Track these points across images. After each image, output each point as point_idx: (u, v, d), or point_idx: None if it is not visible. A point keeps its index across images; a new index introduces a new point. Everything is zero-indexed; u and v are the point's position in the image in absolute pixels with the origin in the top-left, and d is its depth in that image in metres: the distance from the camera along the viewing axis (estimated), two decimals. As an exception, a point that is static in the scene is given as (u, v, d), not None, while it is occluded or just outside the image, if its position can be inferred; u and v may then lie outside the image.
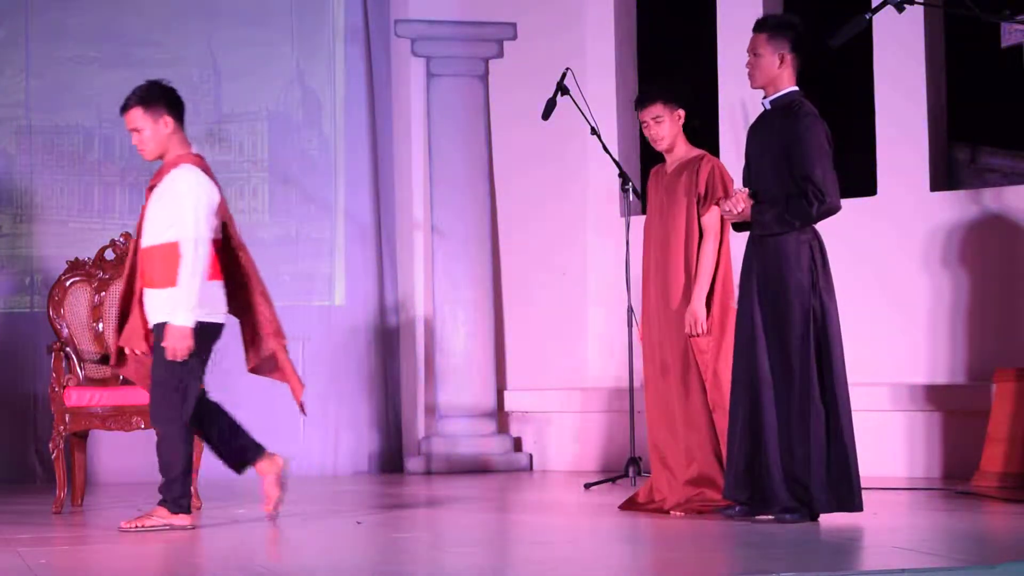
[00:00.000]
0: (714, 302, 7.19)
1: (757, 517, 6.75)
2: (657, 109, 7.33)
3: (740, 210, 6.75)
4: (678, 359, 7.21)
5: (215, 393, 8.64)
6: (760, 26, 6.89)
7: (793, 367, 6.63)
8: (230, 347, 9.67)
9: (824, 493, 6.59)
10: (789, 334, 6.65)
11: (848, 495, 6.60)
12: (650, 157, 10.08)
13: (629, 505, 7.38)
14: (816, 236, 6.75)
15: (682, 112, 7.34)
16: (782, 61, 6.78)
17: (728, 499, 6.86)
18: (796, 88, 6.82)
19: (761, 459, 6.73)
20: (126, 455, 9.56)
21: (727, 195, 7.14)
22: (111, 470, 9.58)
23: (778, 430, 6.67)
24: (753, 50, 6.85)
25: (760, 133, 6.90)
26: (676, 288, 7.24)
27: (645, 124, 7.38)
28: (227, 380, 9.58)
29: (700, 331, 7.14)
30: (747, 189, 6.83)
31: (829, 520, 6.66)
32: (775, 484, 6.68)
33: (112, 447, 9.52)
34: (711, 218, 7.19)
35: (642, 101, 7.38)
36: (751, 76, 6.86)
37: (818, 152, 6.66)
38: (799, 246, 6.69)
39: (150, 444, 9.17)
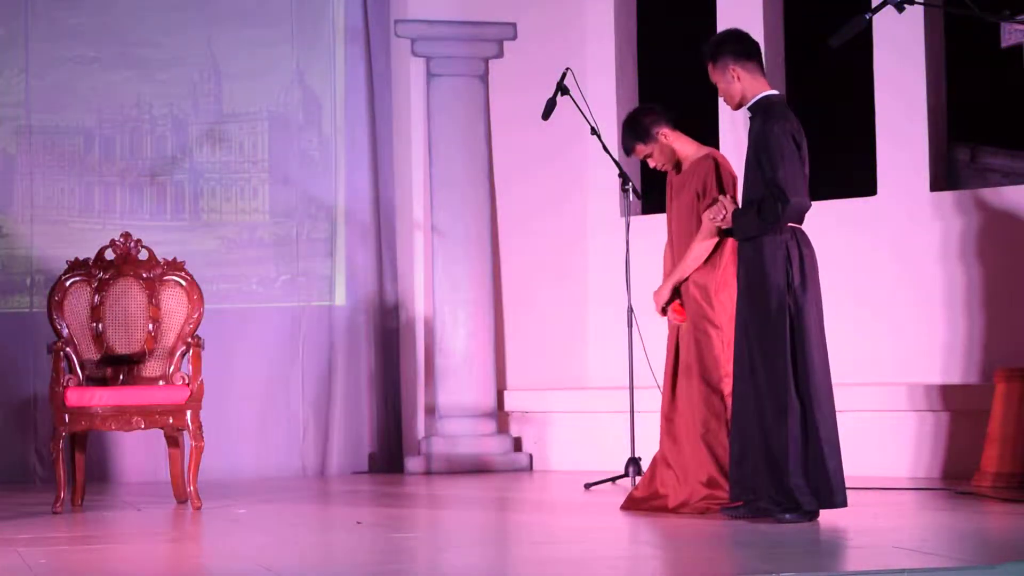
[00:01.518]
0: (719, 293, 7.22)
1: (756, 518, 6.76)
2: (639, 151, 7.45)
3: (722, 217, 6.83)
4: (693, 359, 7.23)
5: (214, 393, 8.64)
6: (702, 58, 6.98)
7: (768, 366, 6.69)
8: (231, 346, 9.70)
9: (804, 491, 6.62)
10: (765, 333, 6.70)
11: (827, 492, 6.64)
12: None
13: (630, 504, 7.39)
14: (795, 236, 6.78)
15: (663, 131, 7.38)
16: (736, 77, 6.87)
17: (732, 500, 6.89)
18: (770, 92, 6.90)
19: (751, 458, 6.76)
20: (126, 455, 9.57)
21: (724, 192, 7.19)
22: (111, 470, 9.58)
23: (759, 429, 6.70)
24: (712, 81, 6.96)
25: (749, 138, 6.97)
26: (686, 287, 7.29)
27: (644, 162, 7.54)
28: (227, 380, 9.61)
29: (666, 315, 7.28)
30: (729, 196, 6.89)
31: (829, 520, 6.67)
32: (764, 485, 6.70)
33: (112, 447, 9.52)
34: (707, 214, 7.22)
35: (625, 151, 7.57)
36: (727, 104, 6.97)
37: (779, 153, 6.71)
38: (775, 246, 6.75)
39: (150, 444, 9.22)
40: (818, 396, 6.66)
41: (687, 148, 7.40)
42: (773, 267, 6.72)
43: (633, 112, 7.61)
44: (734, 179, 7.29)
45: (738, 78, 6.88)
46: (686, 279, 7.27)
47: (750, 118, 6.92)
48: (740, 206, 6.93)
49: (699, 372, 7.22)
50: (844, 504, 6.68)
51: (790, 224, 6.75)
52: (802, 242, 6.78)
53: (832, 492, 6.63)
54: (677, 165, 7.42)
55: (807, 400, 6.65)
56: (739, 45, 6.93)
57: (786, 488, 6.63)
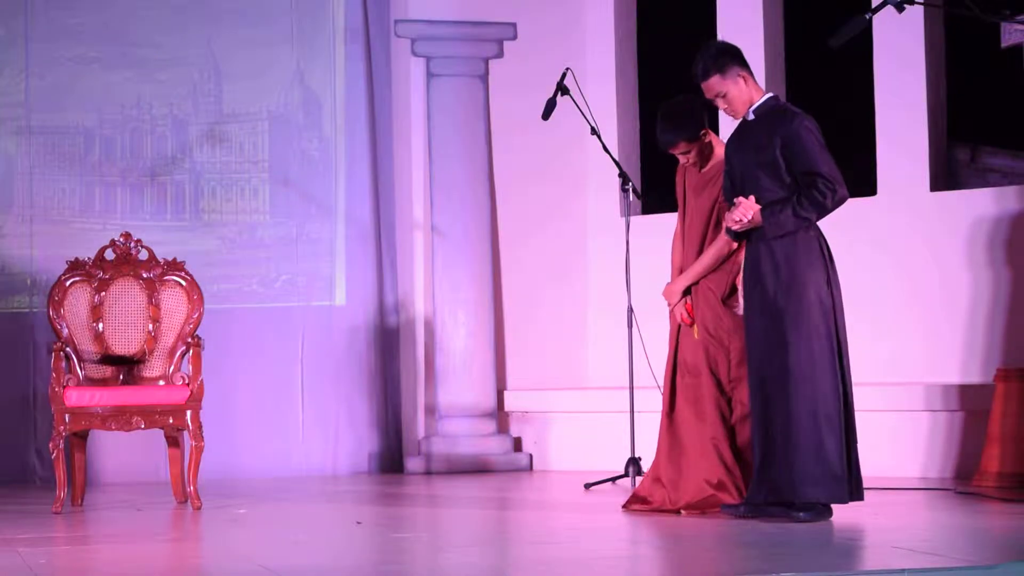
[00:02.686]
0: (731, 301, 7.22)
1: (764, 517, 6.75)
2: (682, 147, 7.32)
3: (750, 217, 6.75)
4: (702, 362, 7.22)
5: (214, 393, 8.64)
6: (706, 73, 6.88)
7: (814, 362, 6.66)
8: (231, 347, 9.70)
9: (841, 482, 6.64)
10: (808, 330, 6.68)
11: (858, 483, 6.74)
12: (650, 157, 10.08)
13: (632, 503, 7.38)
14: (821, 232, 6.81)
15: (705, 130, 7.32)
16: (743, 81, 6.89)
17: (749, 501, 6.85)
18: (771, 94, 6.96)
19: (777, 458, 6.74)
20: (126, 455, 9.57)
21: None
22: (111, 470, 9.58)
23: (801, 426, 6.66)
24: (716, 94, 6.91)
25: (744, 142, 6.92)
26: (699, 290, 7.29)
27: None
28: (227, 380, 9.60)
29: (675, 312, 7.26)
30: (752, 197, 6.81)
31: (831, 519, 6.68)
32: (795, 481, 6.68)
33: (112, 447, 9.52)
34: (730, 217, 7.20)
35: (666, 145, 7.33)
36: (733, 113, 6.96)
37: (818, 147, 6.75)
38: (809, 242, 6.76)
39: (150, 444, 9.22)
40: (851, 391, 6.75)
41: (718, 148, 7.36)
42: (812, 265, 6.73)
43: (685, 107, 7.28)
44: None
45: (745, 83, 6.89)
46: (698, 281, 7.27)
47: (752, 120, 6.89)
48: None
49: (710, 375, 7.20)
50: (862, 498, 6.78)
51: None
52: (825, 238, 6.83)
53: (860, 485, 6.75)
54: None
55: (847, 396, 6.70)
56: (737, 53, 6.95)
57: (821, 483, 6.62)
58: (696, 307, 7.27)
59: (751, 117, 6.90)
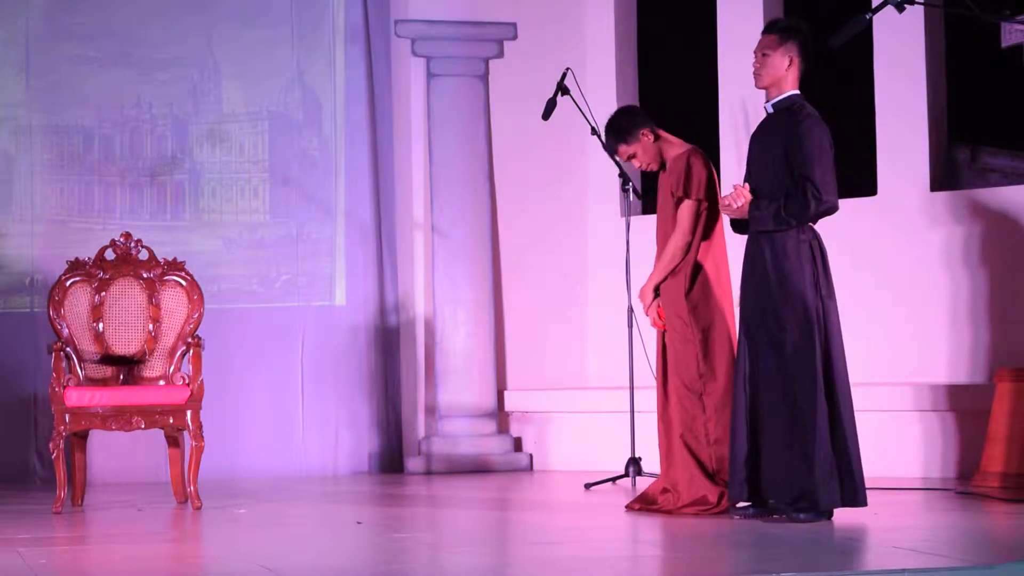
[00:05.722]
0: (692, 295, 7.23)
1: (767, 517, 6.76)
2: (623, 151, 7.44)
3: (739, 205, 6.79)
4: (672, 360, 7.25)
5: (214, 393, 8.64)
6: (771, 27, 6.95)
7: (796, 365, 6.66)
8: (231, 346, 9.70)
9: (829, 489, 6.62)
10: (791, 333, 6.68)
11: (852, 490, 6.66)
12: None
13: (637, 502, 7.38)
14: (816, 236, 6.80)
15: (645, 130, 7.37)
16: (790, 63, 6.84)
17: (733, 500, 6.87)
18: (798, 92, 6.88)
19: (764, 459, 6.75)
20: (126, 455, 9.57)
21: (688, 185, 7.20)
22: (111, 470, 9.58)
23: (783, 429, 6.68)
24: (762, 50, 6.88)
25: (761, 137, 6.93)
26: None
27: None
28: (228, 380, 9.60)
29: (648, 315, 7.31)
30: (747, 184, 6.85)
31: (832, 518, 6.68)
32: (782, 484, 6.68)
33: (112, 447, 9.52)
34: (681, 210, 7.24)
35: (609, 152, 7.58)
36: (757, 75, 6.89)
37: (818, 152, 6.70)
38: (799, 245, 6.74)
39: (150, 444, 9.22)
40: (842, 396, 6.68)
41: (669, 148, 7.40)
42: (798, 266, 6.72)
43: (614, 114, 7.59)
44: (704, 175, 7.26)
45: (789, 64, 6.84)
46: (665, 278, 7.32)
47: (772, 113, 6.88)
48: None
49: (677, 373, 7.24)
50: (865, 503, 6.71)
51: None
52: (821, 242, 6.80)
53: (856, 491, 6.67)
54: (663, 165, 7.43)
55: (833, 401, 6.66)
56: (810, 43, 6.89)
57: (807, 487, 6.61)
58: (664, 306, 7.30)
59: (769, 110, 6.89)
